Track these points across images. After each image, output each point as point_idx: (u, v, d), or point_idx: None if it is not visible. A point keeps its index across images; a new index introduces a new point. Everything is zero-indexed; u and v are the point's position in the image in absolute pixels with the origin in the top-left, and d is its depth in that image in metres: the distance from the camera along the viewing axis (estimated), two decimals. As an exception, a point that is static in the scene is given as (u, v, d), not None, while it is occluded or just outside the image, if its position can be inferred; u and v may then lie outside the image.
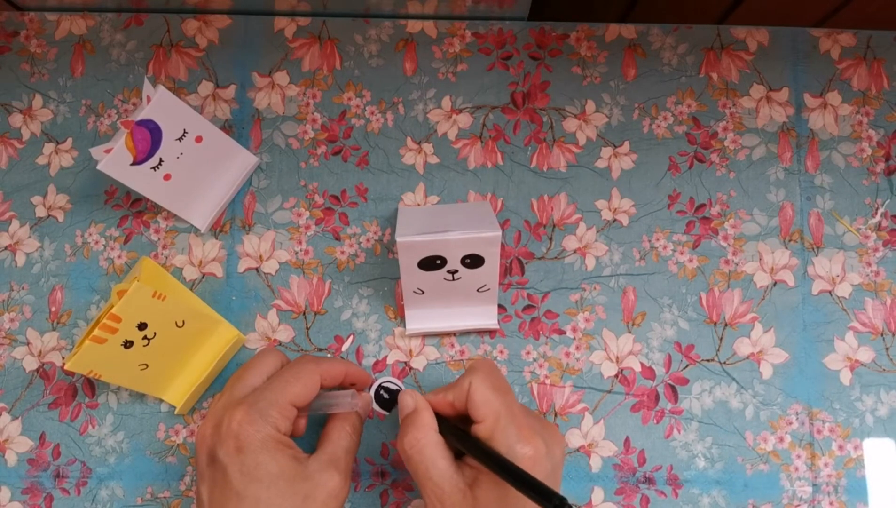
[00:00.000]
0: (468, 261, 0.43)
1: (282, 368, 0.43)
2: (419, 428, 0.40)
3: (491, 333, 0.48)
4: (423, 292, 0.45)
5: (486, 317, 0.47)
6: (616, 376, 0.48)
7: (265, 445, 0.39)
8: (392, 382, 0.46)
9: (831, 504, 0.47)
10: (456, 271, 0.44)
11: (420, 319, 0.47)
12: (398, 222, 0.45)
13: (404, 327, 0.48)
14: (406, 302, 0.46)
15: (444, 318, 0.47)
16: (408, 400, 0.41)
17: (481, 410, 0.39)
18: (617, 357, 0.48)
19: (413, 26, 0.52)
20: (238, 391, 0.41)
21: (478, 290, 0.46)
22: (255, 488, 0.38)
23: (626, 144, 0.50)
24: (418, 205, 0.50)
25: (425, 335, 0.48)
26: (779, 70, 0.51)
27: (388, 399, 0.45)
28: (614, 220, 0.50)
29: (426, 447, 0.39)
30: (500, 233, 0.42)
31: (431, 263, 0.43)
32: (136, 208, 0.50)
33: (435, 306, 0.46)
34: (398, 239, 0.42)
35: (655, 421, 0.48)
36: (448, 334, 0.48)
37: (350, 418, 0.43)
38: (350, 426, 0.43)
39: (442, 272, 0.44)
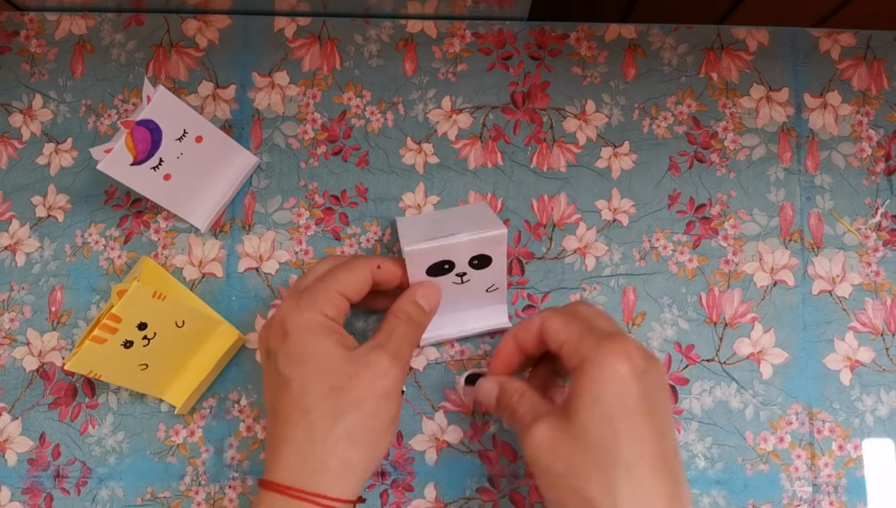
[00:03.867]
0: (476, 262, 0.43)
1: (335, 267, 0.43)
2: (506, 397, 0.39)
3: (491, 333, 0.48)
4: None
5: (497, 316, 0.47)
6: (616, 376, 0.48)
7: (309, 328, 0.39)
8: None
9: (831, 504, 0.47)
10: (464, 274, 0.44)
11: (430, 327, 0.46)
12: (400, 233, 0.44)
13: None
14: None
15: (456, 323, 0.47)
16: (488, 385, 0.41)
17: (561, 333, 0.38)
18: (617, 357, 0.48)
19: (413, 26, 0.52)
20: (294, 290, 0.42)
21: (486, 290, 0.45)
22: (301, 370, 0.38)
23: (626, 144, 0.50)
24: (418, 205, 0.50)
25: (438, 344, 0.48)
26: (779, 70, 0.51)
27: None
28: (614, 220, 0.50)
29: (519, 399, 0.39)
30: (505, 230, 0.42)
31: (440, 268, 0.43)
32: (136, 208, 0.50)
33: (444, 311, 0.45)
34: (405, 249, 0.41)
35: (655, 421, 0.48)
36: (461, 339, 0.48)
37: (405, 308, 0.42)
38: (405, 315, 0.42)
39: (451, 277, 0.44)
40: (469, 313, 0.47)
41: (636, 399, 0.35)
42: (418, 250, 0.42)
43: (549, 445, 0.35)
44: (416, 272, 0.43)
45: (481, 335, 0.48)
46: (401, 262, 0.43)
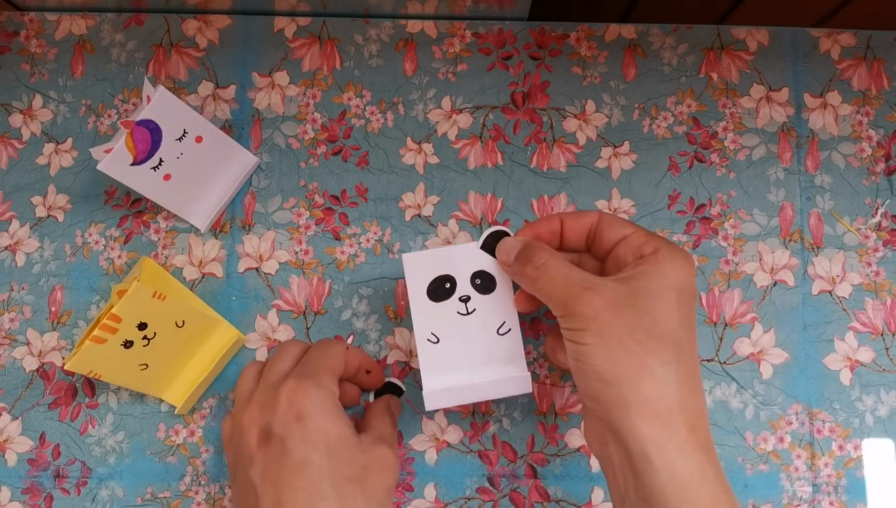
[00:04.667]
0: (478, 282, 0.42)
1: (309, 350, 0.43)
2: (540, 251, 0.39)
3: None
4: (438, 341, 0.42)
5: (515, 368, 0.43)
6: (616, 376, 0.48)
7: (324, 409, 0.38)
8: (396, 382, 0.46)
9: (831, 504, 0.47)
10: (468, 299, 0.42)
11: (439, 384, 0.42)
12: (406, 276, 0.42)
13: (406, 328, 0.48)
14: (421, 360, 0.42)
15: (466, 377, 0.43)
16: (512, 242, 0.40)
17: (626, 227, 0.39)
18: (617, 357, 0.48)
19: (413, 26, 0.52)
20: (273, 375, 0.41)
21: (498, 332, 0.43)
22: (318, 455, 0.37)
23: (626, 144, 0.50)
24: (418, 205, 0.50)
25: (448, 410, 0.47)
26: (779, 70, 0.51)
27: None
28: (614, 220, 0.50)
29: (550, 260, 0.38)
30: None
31: (441, 288, 0.42)
32: (136, 208, 0.50)
33: (453, 360, 0.42)
34: (404, 255, 0.41)
35: (655, 421, 0.48)
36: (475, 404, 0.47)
37: (387, 407, 0.44)
38: (390, 416, 0.44)
39: (454, 303, 0.42)
40: (480, 372, 0.43)
41: (692, 299, 0.37)
42: (417, 255, 0.41)
43: (613, 306, 0.35)
44: (418, 295, 0.42)
45: (498, 398, 0.46)
46: (360, 351, 0.46)
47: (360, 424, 0.46)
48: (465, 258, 0.42)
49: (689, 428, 0.34)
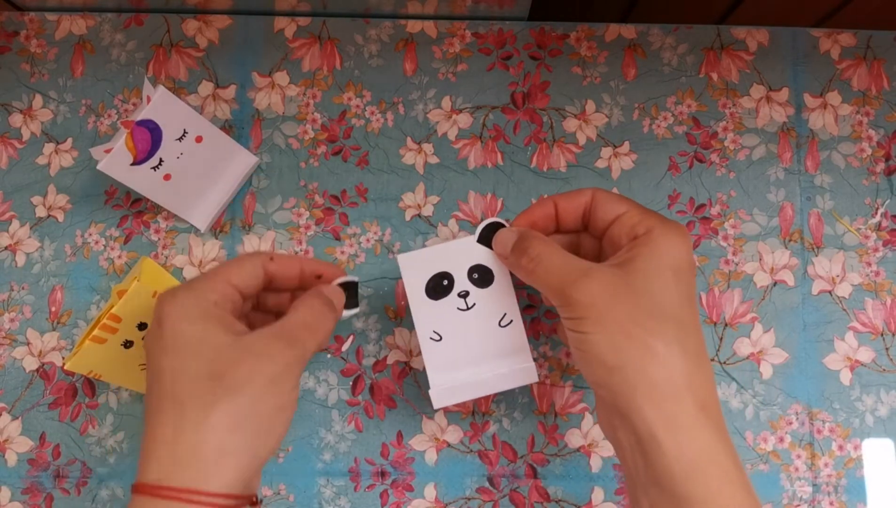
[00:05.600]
0: (476, 277, 0.42)
1: None
2: (534, 241, 0.38)
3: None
4: (441, 338, 0.42)
5: (519, 359, 0.42)
6: (616, 376, 0.48)
7: (186, 314, 0.35)
8: (350, 279, 0.42)
9: (831, 504, 0.47)
10: (467, 294, 0.42)
11: (445, 379, 0.42)
12: (404, 277, 0.42)
13: (406, 328, 0.48)
14: (426, 359, 0.42)
15: (472, 372, 0.42)
16: (507, 234, 0.40)
17: (621, 206, 0.38)
18: (617, 357, 0.48)
19: (413, 26, 0.52)
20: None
21: (500, 324, 0.42)
22: (174, 359, 0.34)
23: (626, 144, 0.50)
24: (418, 205, 0.50)
25: (455, 406, 0.47)
26: (779, 70, 0.51)
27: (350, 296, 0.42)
28: (614, 220, 0.50)
29: (545, 250, 0.38)
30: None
31: (439, 285, 0.42)
32: (136, 208, 0.50)
33: (457, 356, 0.42)
34: (399, 256, 0.41)
35: (655, 421, 0.48)
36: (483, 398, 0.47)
37: (312, 297, 0.39)
38: (310, 302, 0.38)
39: (453, 299, 0.42)
40: (486, 365, 0.42)
41: (691, 274, 0.37)
42: (412, 255, 0.41)
43: (611, 292, 0.35)
44: (416, 294, 0.42)
45: (505, 391, 0.45)
46: (297, 258, 0.41)
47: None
48: (461, 254, 0.42)
49: (699, 406, 0.34)
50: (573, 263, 0.37)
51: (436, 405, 0.42)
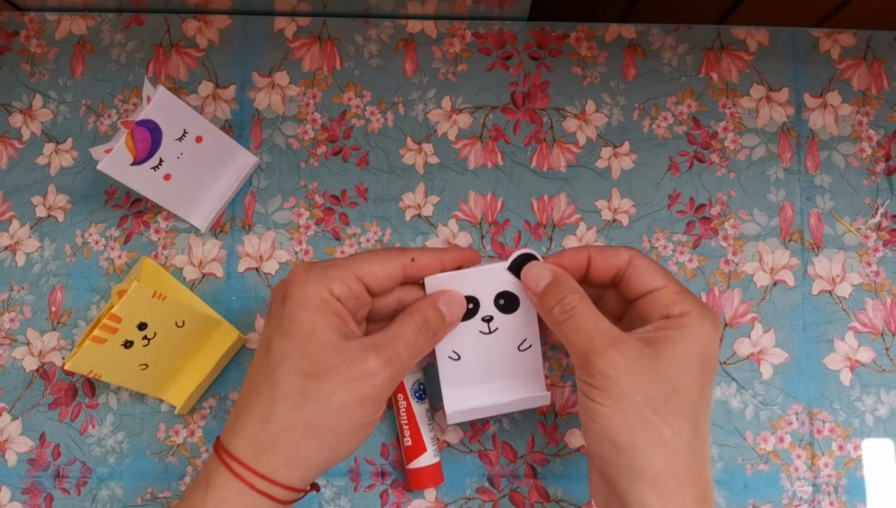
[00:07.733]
0: (502, 303, 0.41)
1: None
2: (571, 293, 0.37)
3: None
4: (460, 358, 0.42)
5: (533, 385, 0.43)
6: (616, 376, 0.48)
7: (308, 301, 0.35)
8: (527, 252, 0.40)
9: (831, 504, 0.47)
10: (491, 319, 0.41)
11: (460, 398, 0.43)
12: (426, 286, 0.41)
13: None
14: (442, 376, 0.42)
15: (486, 393, 0.43)
16: (542, 270, 0.38)
17: (657, 280, 0.37)
18: (617, 357, 0.48)
19: (413, 26, 0.52)
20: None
21: (518, 348, 0.42)
22: (283, 341, 0.35)
23: (626, 144, 0.50)
24: (418, 205, 0.50)
25: (466, 421, 0.46)
26: (779, 70, 0.51)
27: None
28: (614, 220, 0.50)
29: (581, 306, 0.36)
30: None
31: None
32: (136, 208, 0.50)
33: (474, 375, 0.42)
34: (426, 278, 0.39)
35: (655, 421, 0.48)
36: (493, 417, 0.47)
37: (423, 310, 0.38)
38: (420, 318, 0.38)
39: (476, 322, 0.41)
40: (500, 384, 0.43)
41: (714, 364, 0.36)
42: (440, 278, 0.39)
43: (635, 370, 0.34)
44: None
45: (515, 412, 0.46)
46: (441, 256, 0.39)
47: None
48: (489, 279, 0.40)
49: (698, 500, 0.34)
50: (604, 328, 0.36)
51: (449, 423, 0.43)
